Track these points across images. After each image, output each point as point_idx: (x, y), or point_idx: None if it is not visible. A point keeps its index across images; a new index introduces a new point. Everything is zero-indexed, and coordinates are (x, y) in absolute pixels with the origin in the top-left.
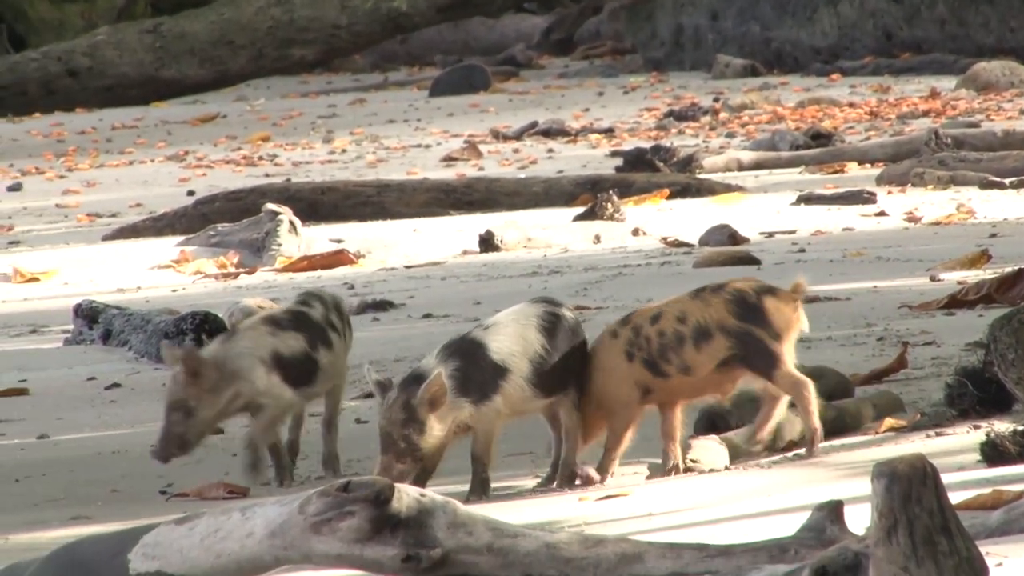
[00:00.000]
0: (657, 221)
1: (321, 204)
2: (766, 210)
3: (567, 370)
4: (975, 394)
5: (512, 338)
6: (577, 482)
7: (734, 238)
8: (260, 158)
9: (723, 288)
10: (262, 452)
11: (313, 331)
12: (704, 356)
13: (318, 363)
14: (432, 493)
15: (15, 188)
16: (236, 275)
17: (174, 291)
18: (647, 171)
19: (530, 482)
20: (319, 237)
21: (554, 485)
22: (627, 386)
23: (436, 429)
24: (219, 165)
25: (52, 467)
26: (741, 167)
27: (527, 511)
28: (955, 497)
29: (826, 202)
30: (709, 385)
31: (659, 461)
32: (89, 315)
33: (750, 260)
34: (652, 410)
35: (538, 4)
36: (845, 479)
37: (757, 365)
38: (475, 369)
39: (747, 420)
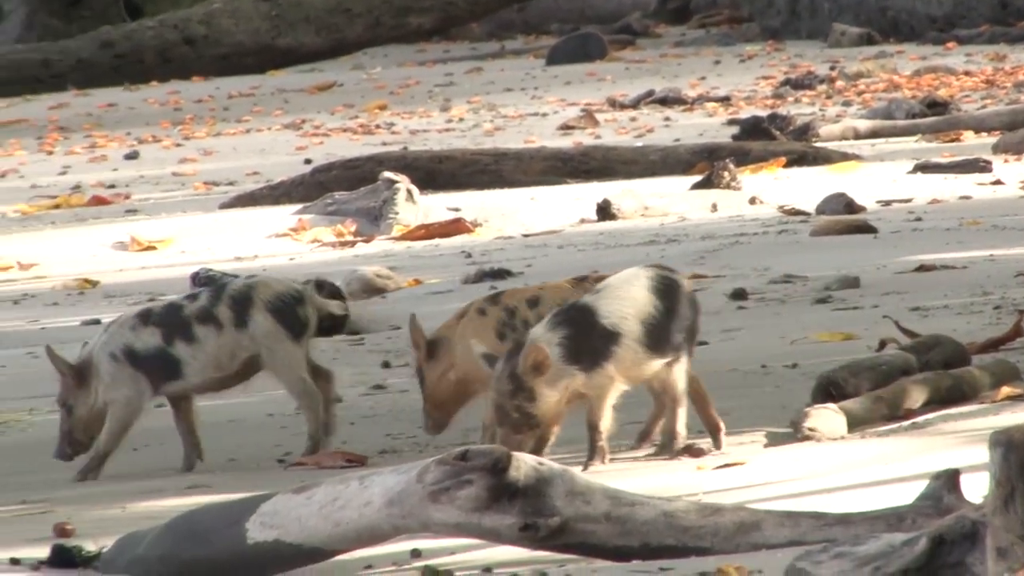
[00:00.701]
0: (774, 189)
1: (438, 172)
2: (882, 179)
3: (680, 334)
4: None
5: (623, 301)
6: (678, 448)
7: (850, 207)
8: (377, 126)
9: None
10: (104, 456)
11: (174, 326)
12: None
13: (177, 358)
14: (550, 462)
15: (132, 156)
16: (353, 243)
17: (291, 259)
18: (763, 139)
19: (645, 451)
20: (436, 205)
21: (667, 454)
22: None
23: (547, 395)
24: (336, 133)
25: (169, 436)
26: (857, 135)
27: (645, 480)
28: None
29: (942, 171)
30: None
31: (778, 430)
32: (206, 283)
33: (866, 228)
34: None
35: None
36: (962, 448)
37: None
38: (585, 336)
39: (864, 388)
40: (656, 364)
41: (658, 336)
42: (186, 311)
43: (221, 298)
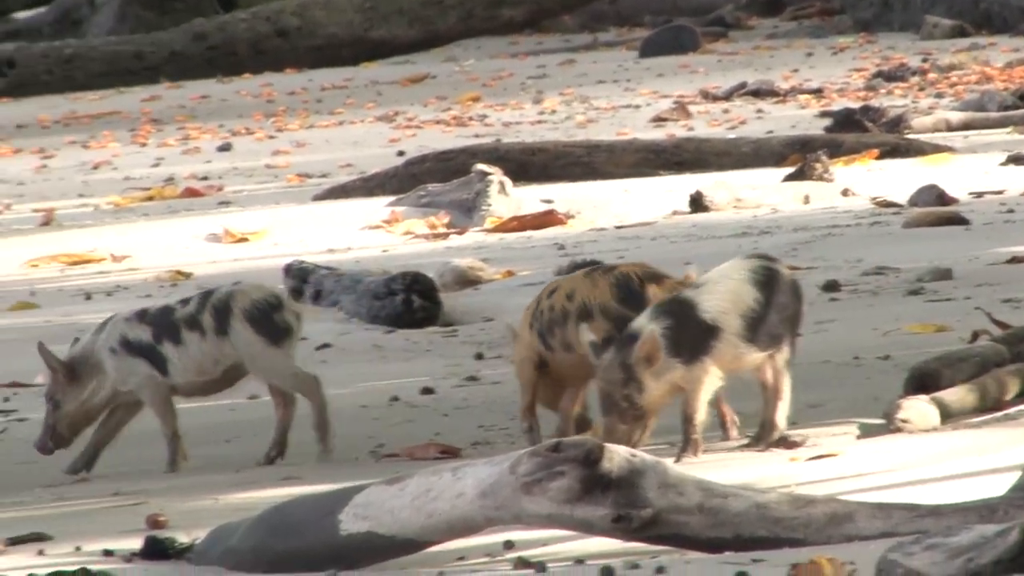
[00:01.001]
0: (866, 181)
1: (531, 164)
2: (975, 170)
3: (782, 325)
4: None
5: (723, 296)
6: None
7: (943, 198)
8: (470, 118)
9: (612, 270)
10: (175, 438)
11: (164, 327)
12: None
13: (164, 356)
14: (643, 453)
15: (225, 148)
16: (446, 235)
17: (384, 251)
18: (856, 131)
19: (738, 442)
20: (529, 197)
21: (761, 446)
22: (528, 352)
23: (653, 387)
24: (429, 125)
25: (262, 428)
26: (950, 127)
27: (737, 471)
28: None
29: None
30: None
31: (870, 421)
32: (299, 275)
33: (959, 220)
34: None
35: None
36: None
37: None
38: (686, 329)
39: (957, 380)
40: (756, 357)
41: (759, 330)
42: (177, 314)
43: (205, 305)
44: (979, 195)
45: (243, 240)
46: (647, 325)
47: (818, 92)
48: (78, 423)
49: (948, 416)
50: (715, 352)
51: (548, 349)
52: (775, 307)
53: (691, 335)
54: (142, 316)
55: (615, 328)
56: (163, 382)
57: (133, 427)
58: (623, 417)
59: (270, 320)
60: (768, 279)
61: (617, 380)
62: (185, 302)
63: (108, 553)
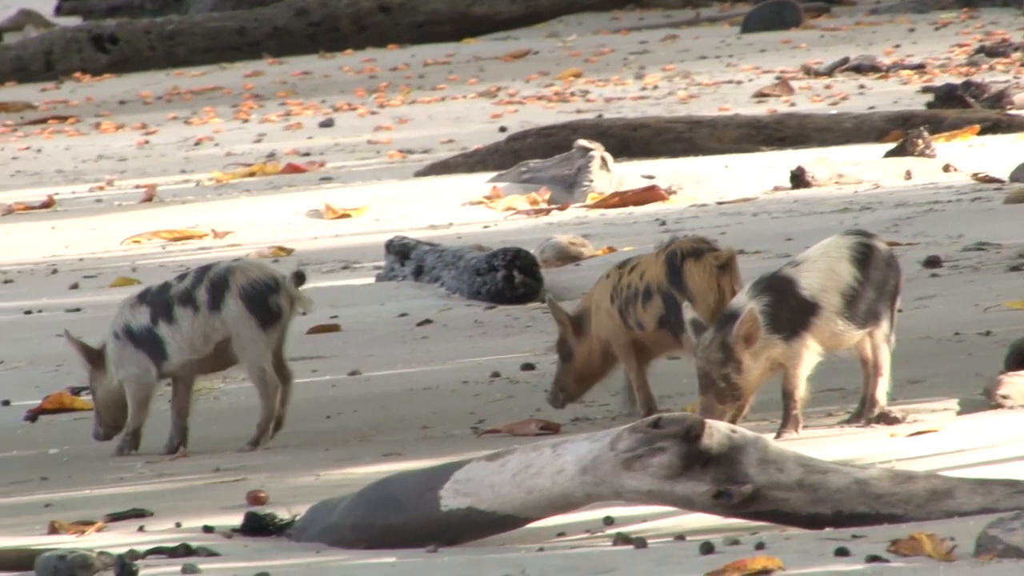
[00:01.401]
0: (968, 157)
1: (632, 140)
2: None
3: (881, 301)
4: None
5: (822, 273)
6: (873, 416)
7: None
8: (572, 94)
9: (667, 247)
10: (133, 432)
11: (160, 306)
12: (647, 315)
13: (160, 337)
14: (743, 429)
15: (327, 124)
16: (548, 211)
17: (485, 227)
18: (958, 107)
19: (839, 419)
20: (630, 173)
21: (861, 422)
22: (611, 321)
23: (752, 367)
24: (530, 101)
25: (363, 404)
26: None
27: (837, 447)
28: None
29: None
30: (659, 344)
31: (971, 397)
32: (401, 251)
33: None
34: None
35: None
36: None
37: (676, 329)
38: (785, 306)
39: None
40: (855, 335)
41: (857, 307)
42: (171, 292)
43: (202, 280)
44: None
45: (344, 216)
46: (747, 304)
47: (920, 68)
48: (111, 409)
49: None
50: (814, 328)
51: (627, 326)
52: (873, 284)
53: (790, 312)
54: (143, 297)
55: (664, 307)
56: (151, 381)
57: (233, 404)
58: (721, 397)
59: (264, 301)
60: (866, 256)
61: (716, 360)
62: (182, 277)
63: (208, 529)
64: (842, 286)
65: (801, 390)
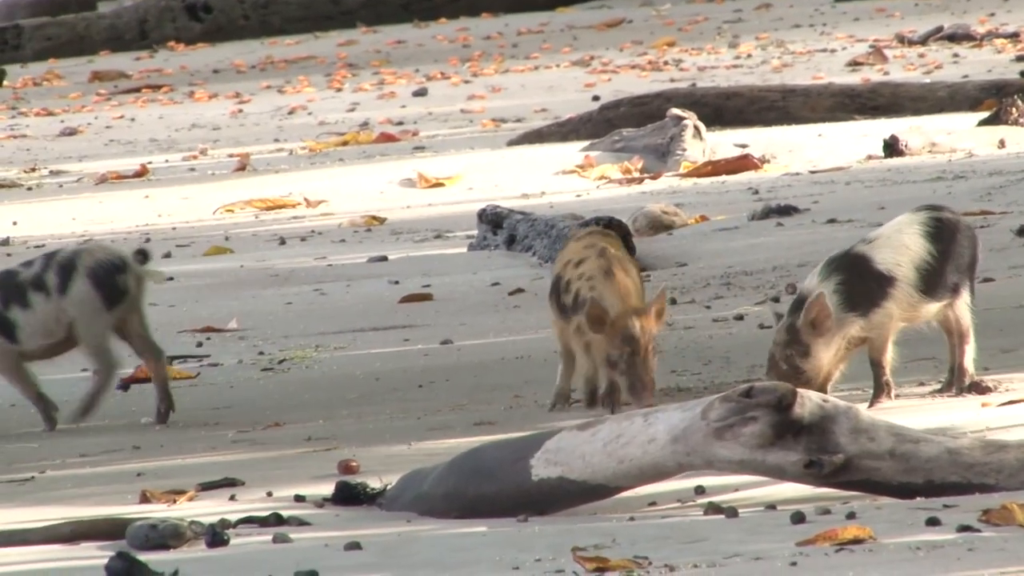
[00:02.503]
0: None
1: (726, 109)
2: None
3: (957, 272)
4: None
5: (895, 248)
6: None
7: None
8: (665, 63)
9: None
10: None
11: (9, 289)
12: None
13: (12, 321)
14: (834, 399)
15: (421, 93)
16: (640, 180)
17: (578, 196)
18: None
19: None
20: (723, 142)
21: (953, 391)
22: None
23: (822, 353)
24: (624, 70)
25: (455, 373)
26: None
27: (929, 417)
28: None
29: None
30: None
31: None
32: (493, 220)
33: None
34: None
35: None
36: None
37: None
38: (860, 282)
39: None
40: (933, 308)
41: (933, 281)
42: (20, 277)
43: (50, 265)
44: None
45: (438, 185)
46: (817, 286)
47: (1014, 36)
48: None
49: None
50: (893, 299)
51: None
52: (947, 256)
53: (866, 287)
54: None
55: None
56: (10, 349)
57: (326, 373)
58: (782, 379)
59: (112, 280)
60: (937, 229)
61: (781, 342)
62: (28, 264)
63: (299, 499)
64: (916, 259)
65: (888, 355)
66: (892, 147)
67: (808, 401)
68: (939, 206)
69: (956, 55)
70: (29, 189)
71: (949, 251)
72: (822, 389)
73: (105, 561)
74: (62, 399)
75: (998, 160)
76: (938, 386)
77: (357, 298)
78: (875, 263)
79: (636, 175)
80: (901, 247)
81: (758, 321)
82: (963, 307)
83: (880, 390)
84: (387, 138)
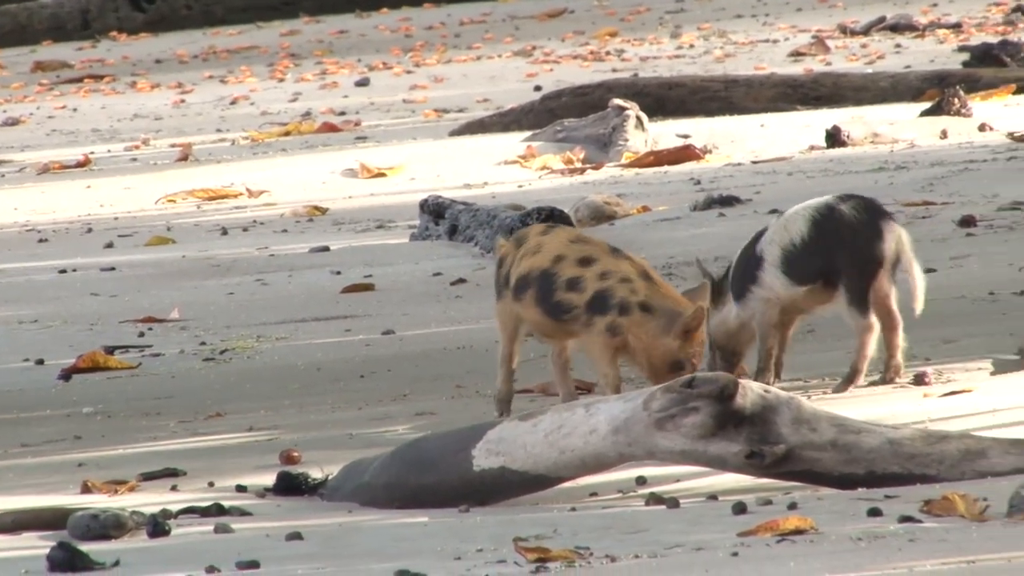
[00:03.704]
0: (1004, 116)
1: (668, 99)
2: None
3: (827, 262)
4: None
5: (775, 231)
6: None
7: None
8: (607, 53)
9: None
10: None
11: None
12: None
13: None
14: (776, 389)
15: (363, 83)
16: (582, 170)
17: (520, 186)
18: (994, 66)
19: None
20: (666, 132)
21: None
22: None
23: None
24: (566, 60)
25: (397, 363)
26: None
27: (870, 407)
28: None
29: None
30: None
31: (1005, 357)
32: (435, 210)
33: None
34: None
35: None
36: None
37: None
38: (741, 265)
39: None
40: (799, 293)
41: (798, 265)
42: None
43: None
44: None
45: (380, 175)
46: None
47: (957, 27)
48: None
49: None
50: (761, 281)
51: None
52: (819, 244)
53: (744, 270)
54: None
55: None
56: None
57: (268, 363)
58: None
59: None
60: (825, 217)
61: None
62: None
63: (241, 489)
64: (786, 243)
65: (770, 340)
66: (834, 137)
67: (750, 392)
68: (852, 196)
69: (898, 45)
70: None
71: (824, 240)
72: (766, 368)
73: (47, 551)
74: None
75: (940, 150)
76: (876, 376)
77: (299, 288)
78: (756, 245)
79: (578, 165)
80: (781, 229)
81: None
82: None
83: (759, 374)
84: (329, 128)
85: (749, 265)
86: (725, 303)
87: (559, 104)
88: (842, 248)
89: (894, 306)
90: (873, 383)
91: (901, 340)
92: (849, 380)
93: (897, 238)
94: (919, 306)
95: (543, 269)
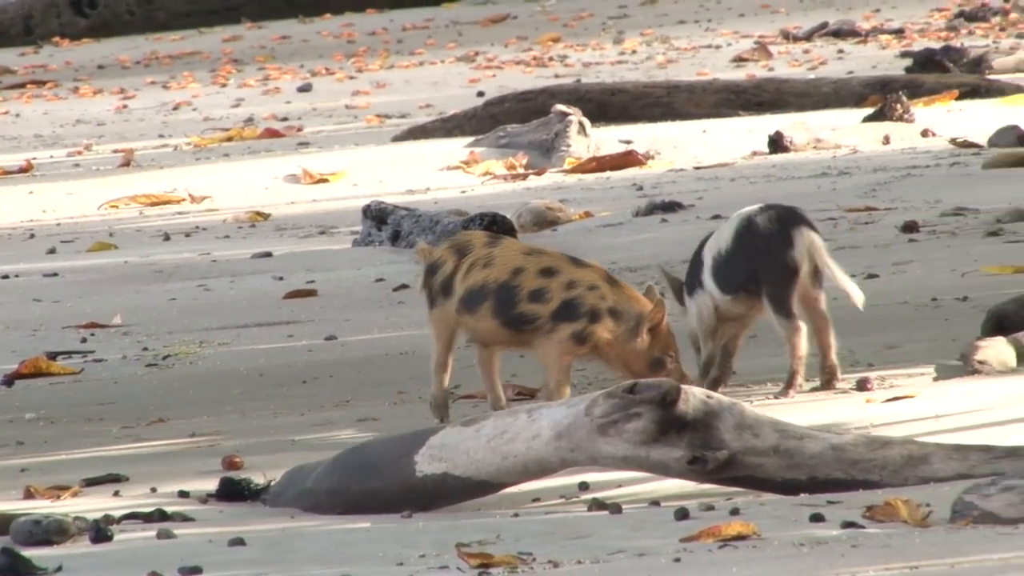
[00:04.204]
0: (946, 122)
1: (611, 105)
2: None
3: (748, 272)
4: None
5: (714, 239)
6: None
7: (1023, 139)
8: (550, 59)
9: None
10: None
11: None
12: None
13: None
14: (718, 395)
15: (305, 89)
16: (525, 176)
17: (463, 192)
18: (937, 72)
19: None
20: (608, 138)
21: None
22: None
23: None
24: (509, 66)
25: (339, 369)
26: None
27: (813, 413)
28: None
29: None
30: None
31: (948, 363)
32: (378, 216)
33: None
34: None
35: None
36: None
37: None
38: (691, 268)
39: None
40: (726, 300)
41: (725, 275)
42: None
43: None
44: None
45: (322, 181)
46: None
47: (899, 32)
48: None
49: None
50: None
51: None
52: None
53: (691, 274)
54: None
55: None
56: None
57: (210, 368)
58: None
59: None
60: (746, 228)
61: None
62: None
63: (183, 494)
64: (715, 252)
65: (711, 344)
66: (777, 143)
67: (692, 397)
68: (772, 206)
69: (841, 51)
70: None
71: (744, 251)
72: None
73: None
74: None
75: (883, 156)
76: (817, 383)
77: (241, 294)
78: (704, 248)
79: (521, 171)
80: (715, 237)
81: None
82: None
83: (700, 377)
84: (272, 134)
85: (696, 266)
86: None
87: (502, 110)
88: (759, 258)
89: (823, 307)
90: (815, 389)
91: (833, 340)
92: (789, 384)
93: (808, 244)
94: (860, 302)
95: (502, 282)
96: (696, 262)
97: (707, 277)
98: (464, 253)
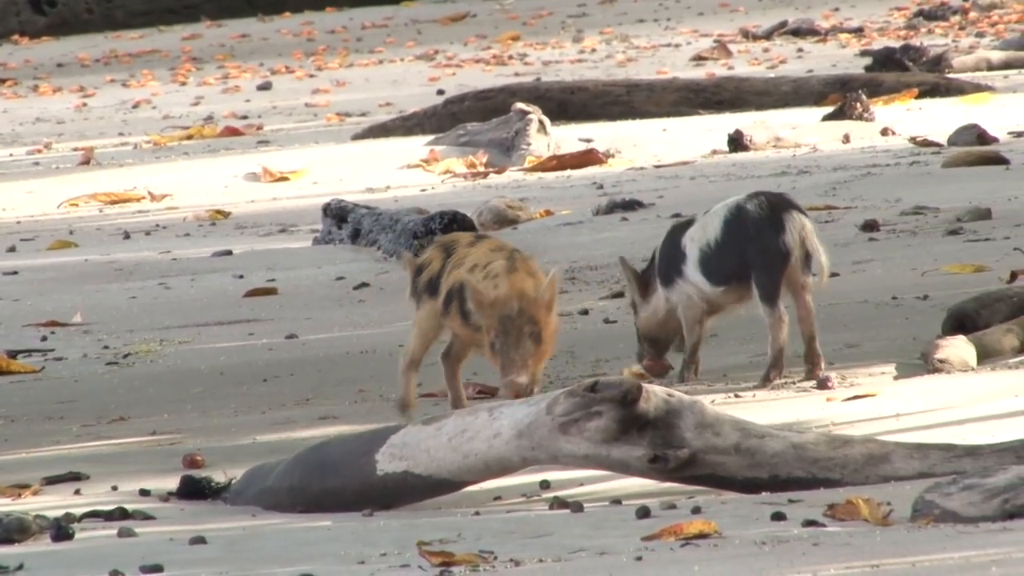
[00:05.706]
0: (906, 121)
1: (570, 103)
2: (1015, 110)
3: (739, 262)
4: None
5: (699, 227)
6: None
7: (983, 138)
8: (510, 57)
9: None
10: None
11: None
12: None
13: None
14: (680, 393)
15: (265, 87)
16: (485, 174)
17: (423, 190)
18: (896, 71)
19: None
20: (568, 137)
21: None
22: None
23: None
24: (468, 64)
25: (300, 367)
26: (991, 67)
27: (774, 412)
28: None
29: None
30: None
31: (908, 362)
32: (338, 215)
33: (999, 160)
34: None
35: None
36: None
37: None
38: (666, 256)
39: (995, 320)
40: (716, 292)
41: (712, 266)
42: None
43: None
44: (1019, 135)
45: (282, 179)
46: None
47: (858, 31)
48: None
49: (986, 356)
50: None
51: None
52: (732, 244)
53: (668, 263)
54: None
55: None
56: None
57: (171, 366)
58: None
59: None
60: (735, 216)
61: None
62: None
63: (144, 493)
64: (702, 242)
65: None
66: (736, 142)
67: (653, 396)
68: (760, 193)
69: (800, 50)
70: None
71: (735, 240)
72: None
73: None
74: None
75: (843, 155)
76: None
77: (202, 292)
78: (682, 237)
79: (481, 169)
80: (700, 229)
81: (603, 316)
82: (755, 297)
83: (684, 368)
84: (231, 132)
85: (675, 257)
86: (652, 293)
87: (462, 108)
88: (749, 245)
89: (808, 297)
90: (788, 382)
91: (816, 330)
92: (771, 367)
93: (800, 228)
94: (823, 279)
95: (455, 281)
96: (671, 254)
97: (692, 270)
98: (449, 252)
